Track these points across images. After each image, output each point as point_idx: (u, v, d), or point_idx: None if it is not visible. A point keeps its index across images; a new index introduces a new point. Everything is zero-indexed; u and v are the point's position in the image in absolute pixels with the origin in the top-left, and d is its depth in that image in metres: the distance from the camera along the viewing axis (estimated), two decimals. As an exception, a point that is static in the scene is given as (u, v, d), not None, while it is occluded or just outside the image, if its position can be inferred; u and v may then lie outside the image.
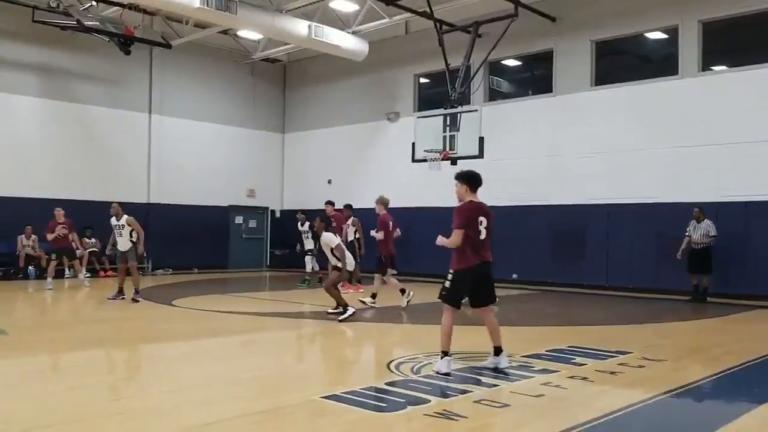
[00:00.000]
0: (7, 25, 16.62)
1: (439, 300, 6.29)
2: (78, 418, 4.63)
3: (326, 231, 10.31)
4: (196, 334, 8.92)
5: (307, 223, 15.91)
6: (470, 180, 6.45)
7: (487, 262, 6.23)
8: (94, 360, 7.09)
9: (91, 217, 17.54)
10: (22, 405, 4.98)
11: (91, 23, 15.69)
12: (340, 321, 9.62)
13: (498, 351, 6.29)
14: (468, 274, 6.14)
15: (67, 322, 10.61)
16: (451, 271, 6.21)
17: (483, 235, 6.20)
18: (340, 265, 10.11)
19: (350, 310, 9.79)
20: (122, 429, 4.45)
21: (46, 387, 5.69)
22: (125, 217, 11.74)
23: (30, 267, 16.36)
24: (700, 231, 12.96)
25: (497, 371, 6.18)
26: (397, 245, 12.23)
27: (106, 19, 16.12)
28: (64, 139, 17.68)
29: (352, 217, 14.37)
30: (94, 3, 15.89)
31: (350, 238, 13.85)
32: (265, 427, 4.59)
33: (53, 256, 14.50)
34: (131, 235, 11.74)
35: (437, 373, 5.98)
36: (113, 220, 11.82)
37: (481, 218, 6.25)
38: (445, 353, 6.08)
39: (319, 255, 13.28)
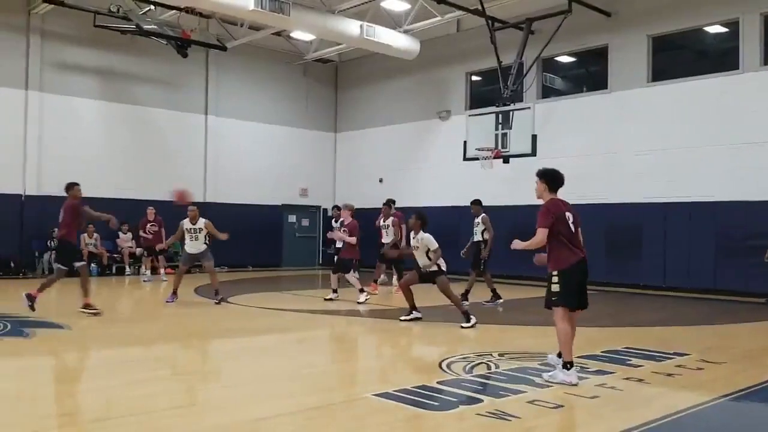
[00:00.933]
0: (69, 30, 17.26)
1: (547, 308, 5.94)
2: (139, 412, 4.79)
3: (424, 231, 9.45)
4: (251, 330, 9.09)
5: (341, 219, 15.70)
6: (550, 178, 6.32)
7: (585, 258, 5.95)
8: (153, 355, 7.31)
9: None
10: (87, 398, 5.18)
11: (150, 27, 16.15)
12: (401, 320, 9.58)
13: (567, 365, 5.74)
14: (574, 271, 5.81)
15: (128, 318, 10.96)
16: (554, 273, 5.82)
17: (574, 231, 5.99)
18: (435, 268, 9.38)
19: (415, 314, 9.59)
20: (180, 422, 4.58)
21: (108, 381, 5.89)
22: (202, 220, 11.77)
23: (92, 264, 16.91)
24: None
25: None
26: (446, 245, 12.01)
27: (164, 22, 16.57)
28: (124, 140, 18.26)
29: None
30: (152, 7, 16.35)
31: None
32: (317, 424, 4.66)
33: (145, 253, 15.90)
34: (206, 239, 11.82)
35: (566, 383, 5.56)
36: (187, 223, 11.73)
37: (568, 214, 6.08)
38: (570, 363, 5.68)
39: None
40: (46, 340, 7.79)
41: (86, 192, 16.85)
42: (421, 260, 9.37)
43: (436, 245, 9.34)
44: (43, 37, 17.01)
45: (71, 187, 10.42)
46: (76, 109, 17.53)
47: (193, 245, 11.80)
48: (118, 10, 15.80)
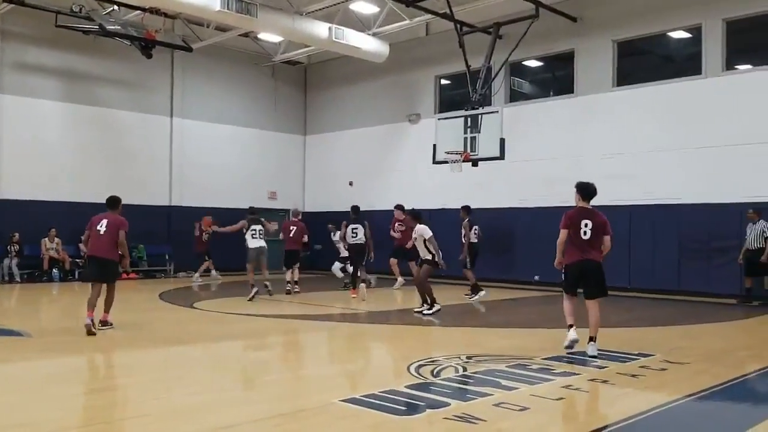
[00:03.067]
0: (30, 30, 16.88)
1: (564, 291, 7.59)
2: (101, 421, 4.68)
3: (420, 223, 10.84)
4: (218, 336, 8.96)
5: (338, 233, 16.35)
6: (580, 190, 7.84)
7: (590, 259, 7.33)
8: (117, 362, 7.16)
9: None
10: (48, 406, 5.04)
11: (113, 27, 15.86)
12: (424, 315, 10.55)
13: (591, 339, 7.25)
14: (573, 267, 7.35)
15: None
16: (563, 266, 7.46)
17: (587, 236, 7.32)
18: (430, 257, 10.70)
19: (437, 306, 10.65)
20: (146, 431, 4.48)
21: (69, 389, 5.75)
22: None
23: (54, 269, 16.58)
24: (755, 232, 12.58)
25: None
26: (414, 247, 12.22)
27: (128, 23, 16.29)
28: (87, 143, 17.90)
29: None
30: (115, 7, 16.07)
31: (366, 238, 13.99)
32: (284, 430, 4.60)
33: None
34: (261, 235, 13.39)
35: (570, 342, 7.24)
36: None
37: (585, 221, 7.37)
38: (571, 325, 7.36)
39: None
40: (5, 348, 7.58)
41: (48, 195, 16.72)
42: (422, 251, 10.75)
43: (430, 234, 10.68)
44: (2, 38, 16.61)
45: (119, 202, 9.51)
46: (38, 111, 17.14)
47: (255, 242, 13.55)
48: (81, 10, 15.50)
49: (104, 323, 8.92)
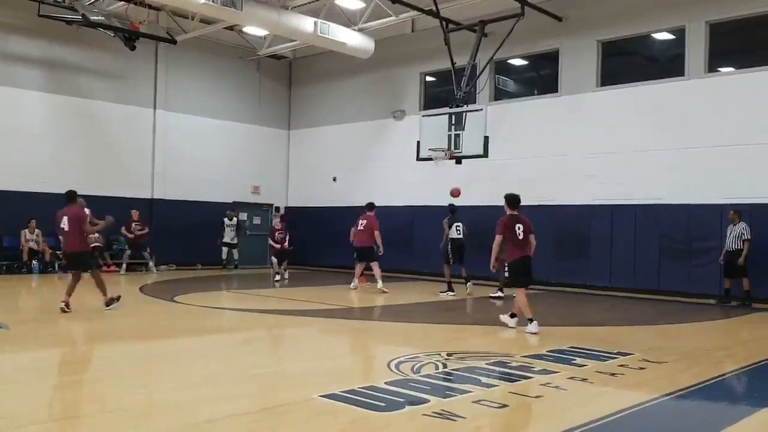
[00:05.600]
0: (12, 20, 16.65)
1: (510, 286, 9.20)
2: (79, 414, 4.64)
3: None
4: (198, 331, 8.92)
5: (235, 219, 19.33)
6: (510, 201, 9.10)
7: (528, 255, 8.90)
8: (97, 356, 7.09)
9: (95, 211, 17.59)
10: (22, 401, 4.98)
11: (97, 18, 15.68)
12: (491, 297, 12.46)
13: (530, 321, 8.64)
14: (518, 263, 8.82)
15: (72, 317, 10.62)
16: (507, 264, 8.97)
17: (521, 237, 8.80)
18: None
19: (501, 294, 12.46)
20: (123, 425, 4.45)
21: (46, 382, 5.70)
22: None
23: (33, 261, 16.40)
24: (734, 234, 12.68)
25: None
26: (399, 244, 12.35)
27: (112, 14, 16.11)
28: (69, 134, 17.70)
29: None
30: (100, -3, 15.90)
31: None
32: (263, 426, 4.59)
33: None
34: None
35: (531, 333, 8.49)
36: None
37: (518, 225, 8.82)
38: (531, 319, 8.62)
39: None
40: (-20, 341, 7.48)
41: (29, 186, 16.52)
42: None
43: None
44: (-16, 26, 16.38)
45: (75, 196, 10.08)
46: (19, 102, 16.90)
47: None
48: (64, 0, 15.32)
49: (109, 303, 9.84)
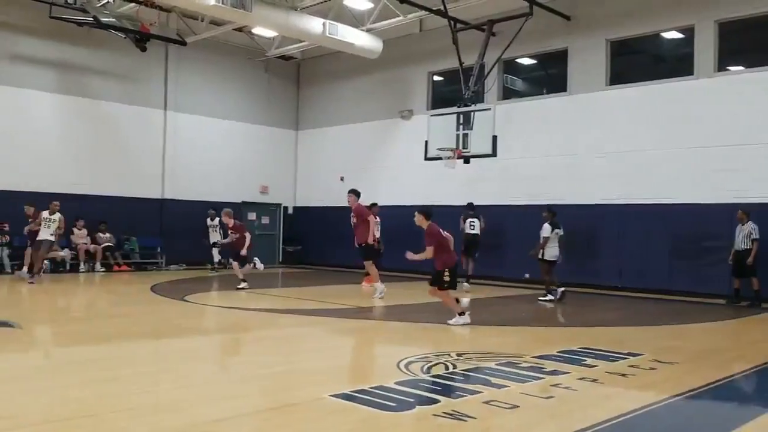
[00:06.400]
0: (24, 21, 16.78)
1: (446, 288, 9.17)
2: (89, 413, 4.68)
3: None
4: (208, 330, 8.97)
5: (217, 219, 17.75)
6: (428, 213, 9.49)
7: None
8: (106, 355, 7.14)
9: (106, 212, 17.75)
10: (34, 399, 5.03)
11: (108, 20, 15.78)
12: (540, 300, 12.50)
13: (462, 314, 9.21)
14: (455, 267, 9.32)
15: (81, 316, 10.71)
16: (447, 269, 9.09)
17: (450, 242, 9.36)
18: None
19: (553, 295, 12.46)
20: (133, 424, 4.49)
21: (58, 381, 5.74)
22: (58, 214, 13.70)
23: (45, 261, 16.48)
24: (743, 233, 12.61)
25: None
26: (407, 244, 12.28)
27: (123, 15, 16.22)
28: (80, 135, 17.83)
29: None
30: (110, 0, 15.99)
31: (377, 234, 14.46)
32: (273, 424, 4.61)
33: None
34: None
35: (460, 324, 8.96)
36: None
37: (444, 232, 9.33)
38: (461, 313, 9.14)
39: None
40: (-6, 340, 7.55)
41: (39, 187, 16.63)
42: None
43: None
44: (-5, 28, 16.51)
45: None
46: (31, 103, 17.05)
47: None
48: (75, 1, 15.41)
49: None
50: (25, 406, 4.82)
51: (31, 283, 13.51)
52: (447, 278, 9.07)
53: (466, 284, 14.50)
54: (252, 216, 21.69)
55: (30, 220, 14.64)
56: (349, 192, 13.13)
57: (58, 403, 4.94)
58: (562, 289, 12.65)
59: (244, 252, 13.45)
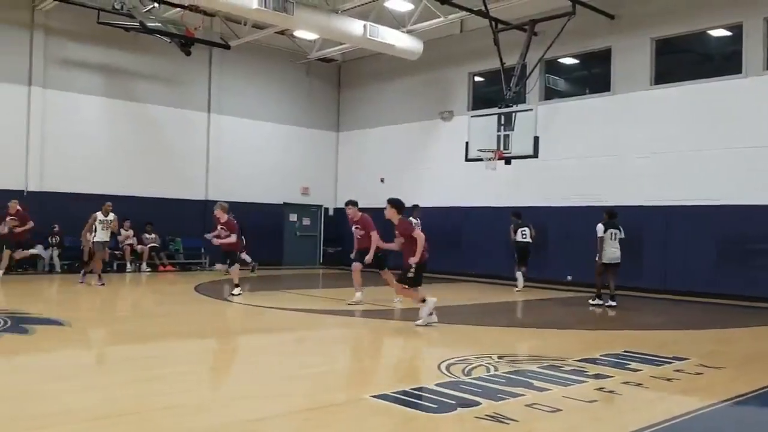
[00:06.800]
0: (73, 27, 17.28)
1: (407, 284, 9.06)
2: (136, 410, 4.79)
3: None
4: (250, 330, 9.09)
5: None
6: (400, 204, 9.26)
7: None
8: (150, 354, 7.30)
9: (152, 213, 18.14)
10: (82, 396, 5.17)
11: (153, 25, 16.13)
12: (591, 305, 12.02)
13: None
14: (423, 265, 8.99)
15: (128, 315, 10.97)
16: (413, 265, 8.84)
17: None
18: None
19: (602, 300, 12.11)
20: (178, 422, 4.58)
21: (103, 379, 5.90)
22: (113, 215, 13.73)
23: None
24: None
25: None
26: (448, 245, 12.31)
27: (168, 20, 16.56)
28: (127, 138, 18.29)
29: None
30: (156, 5, 16.35)
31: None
32: (314, 425, 4.66)
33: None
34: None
35: (426, 315, 8.94)
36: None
37: (418, 230, 9.18)
38: (424, 299, 9.00)
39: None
40: (45, 337, 7.79)
41: (88, 189, 17.09)
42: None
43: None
44: (46, 33, 17.03)
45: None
46: (79, 106, 17.55)
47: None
48: (122, 7, 15.79)
49: None
50: (72, 403, 4.95)
51: (82, 283, 13.78)
52: (411, 275, 8.86)
53: (518, 286, 14.82)
54: (293, 217, 21.94)
55: (9, 218, 14.04)
56: (348, 204, 12.11)
57: (104, 401, 5.06)
58: (600, 302, 12.31)
59: (240, 253, 12.65)
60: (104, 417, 4.63)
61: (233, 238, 12.12)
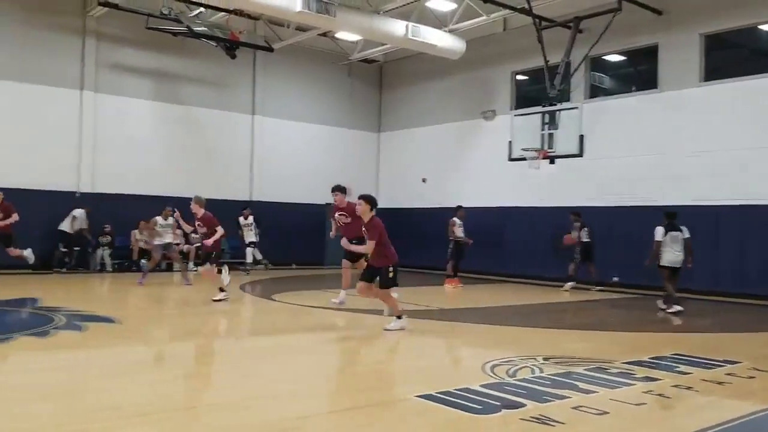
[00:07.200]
0: (123, 32, 17.72)
1: (387, 286, 8.58)
2: (183, 406, 4.90)
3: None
4: (294, 328, 9.19)
5: (251, 217, 17.59)
6: (374, 202, 8.90)
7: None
8: (198, 351, 7.45)
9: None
10: (127, 393, 5.29)
11: (200, 29, 16.46)
12: (661, 310, 11.43)
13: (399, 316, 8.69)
14: (397, 264, 8.67)
15: (176, 313, 11.19)
16: (391, 266, 8.55)
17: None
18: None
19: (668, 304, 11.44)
20: (223, 417, 4.66)
21: (154, 375, 6.04)
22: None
23: (142, 260, 17.32)
24: None
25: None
26: (490, 245, 12.22)
27: (214, 24, 16.87)
28: (173, 140, 18.68)
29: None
30: (202, 9, 16.66)
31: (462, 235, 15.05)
32: (358, 423, 4.69)
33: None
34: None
35: (397, 329, 8.48)
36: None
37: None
38: (400, 315, 8.66)
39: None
40: (97, 334, 8.02)
41: (135, 189, 17.52)
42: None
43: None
44: (98, 39, 17.51)
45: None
46: (128, 109, 18.00)
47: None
48: (170, 12, 16.14)
49: None
50: (119, 399, 5.07)
51: (141, 283, 13.75)
52: (391, 275, 8.53)
53: (595, 287, 14.95)
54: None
55: None
56: (336, 190, 11.19)
57: (148, 397, 5.17)
58: (679, 308, 11.61)
59: (210, 248, 11.11)
60: (155, 412, 4.74)
61: (219, 233, 11.07)
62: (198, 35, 16.45)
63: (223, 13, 16.68)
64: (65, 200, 16.79)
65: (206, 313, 10.53)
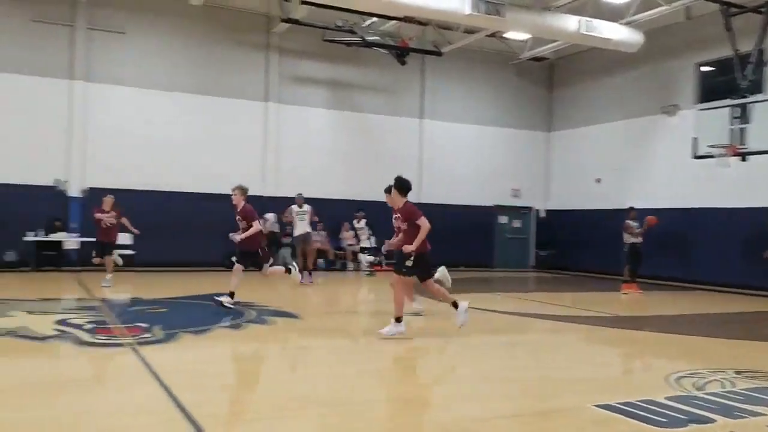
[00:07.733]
0: (302, 46, 18.87)
1: (403, 274, 7.83)
2: (361, 401, 5.12)
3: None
4: (459, 331, 9.22)
5: (364, 221, 17.84)
6: (406, 187, 8.27)
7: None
8: (374, 348, 7.72)
9: (368, 216, 19.15)
10: (316, 384, 5.64)
11: (372, 38, 17.13)
12: None
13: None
14: (423, 256, 7.82)
15: (350, 311, 11.72)
16: (413, 254, 7.66)
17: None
18: None
19: None
20: (400, 415, 4.83)
21: (336, 369, 6.37)
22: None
23: (320, 260, 18.30)
24: None
25: None
26: (671, 250, 11.48)
27: (385, 33, 17.48)
28: (347, 145, 19.57)
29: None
30: (374, 19, 17.28)
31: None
32: (536, 428, 4.65)
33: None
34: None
35: (399, 333, 7.66)
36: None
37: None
38: (399, 318, 7.76)
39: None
40: (283, 328, 8.62)
41: (313, 193, 18.53)
42: None
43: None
44: (280, 54, 18.80)
45: None
46: (308, 118, 19.14)
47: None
48: (344, 24, 16.97)
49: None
50: (308, 390, 5.42)
51: (302, 283, 13.28)
52: (410, 264, 7.67)
53: None
54: (503, 219, 21.89)
55: (106, 213, 12.59)
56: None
57: (338, 389, 5.48)
58: None
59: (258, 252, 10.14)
60: (338, 404, 5.03)
61: (254, 229, 9.93)
62: (370, 44, 17.14)
63: (394, 21, 17.19)
64: (254, 205, 18.07)
65: (378, 313, 10.87)
